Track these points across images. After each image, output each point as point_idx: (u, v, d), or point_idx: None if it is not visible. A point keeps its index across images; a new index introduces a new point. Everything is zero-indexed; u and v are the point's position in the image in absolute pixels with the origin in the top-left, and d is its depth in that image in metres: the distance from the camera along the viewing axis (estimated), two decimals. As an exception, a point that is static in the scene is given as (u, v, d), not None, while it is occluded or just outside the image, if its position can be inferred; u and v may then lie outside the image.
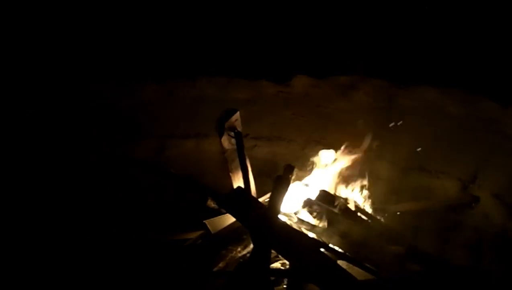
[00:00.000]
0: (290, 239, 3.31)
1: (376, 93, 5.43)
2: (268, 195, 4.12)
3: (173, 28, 6.93)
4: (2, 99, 5.03)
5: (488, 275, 3.60)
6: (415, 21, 6.44)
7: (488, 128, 4.79)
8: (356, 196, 4.33)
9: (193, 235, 3.93)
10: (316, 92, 5.67)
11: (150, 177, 4.84)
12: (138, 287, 3.51)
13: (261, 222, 3.25)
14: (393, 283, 3.37)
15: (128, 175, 4.97)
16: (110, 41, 6.60)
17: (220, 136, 3.80)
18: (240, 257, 3.72)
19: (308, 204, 3.95)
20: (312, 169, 4.50)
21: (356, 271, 3.27)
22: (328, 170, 4.43)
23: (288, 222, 3.79)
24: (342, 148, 4.49)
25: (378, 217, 4.22)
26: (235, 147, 3.85)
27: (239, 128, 3.85)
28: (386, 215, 4.36)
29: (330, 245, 3.58)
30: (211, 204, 4.15)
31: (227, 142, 3.85)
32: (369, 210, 4.28)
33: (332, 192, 4.15)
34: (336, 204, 3.90)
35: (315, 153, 4.56)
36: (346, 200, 4.13)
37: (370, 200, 4.36)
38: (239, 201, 3.53)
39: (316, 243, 3.55)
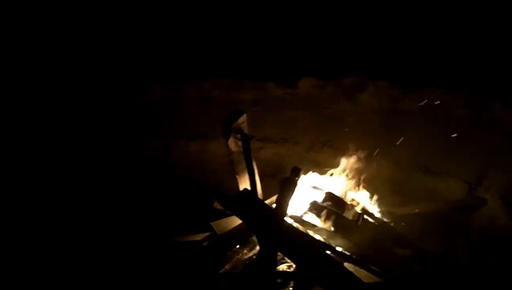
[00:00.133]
0: (296, 241, 3.32)
1: (381, 94, 5.43)
2: (274, 197, 4.13)
3: (181, 30, 6.95)
4: (2, 99, 5.04)
5: (494, 276, 3.59)
6: (420, 23, 6.42)
7: (494, 130, 4.79)
8: (362, 198, 4.33)
9: (200, 236, 3.93)
10: (321, 94, 5.68)
11: (157, 178, 4.85)
12: (144, 288, 3.53)
13: (268, 224, 3.26)
14: (399, 284, 3.37)
15: (134, 175, 4.98)
16: (120, 43, 6.63)
17: (227, 138, 3.80)
18: (247, 259, 3.72)
19: (315, 206, 3.95)
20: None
21: (362, 274, 3.27)
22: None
23: (295, 224, 3.79)
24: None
25: (384, 219, 4.22)
26: (241, 149, 3.85)
27: (246, 131, 3.85)
28: (392, 217, 4.35)
29: (336, 248, 3.59)
30: (217, 205, 4.15)
31: (233, 144, 3.85)
32: (375, 212, 4.28)
33: (338, 194, 4.15)
34: (342, 206, 3.91)
35: (321, 155, 4.56)
36: (352, 202, 4.13)
37: (376, 202, 4.35)
38: (246, 203, 3.54)
39: (322, 245, 3.55)
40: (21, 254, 3.75)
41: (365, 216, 4.05)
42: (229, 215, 3.96)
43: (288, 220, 3.70)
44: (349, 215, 3.91)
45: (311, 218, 3.95)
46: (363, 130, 5.11)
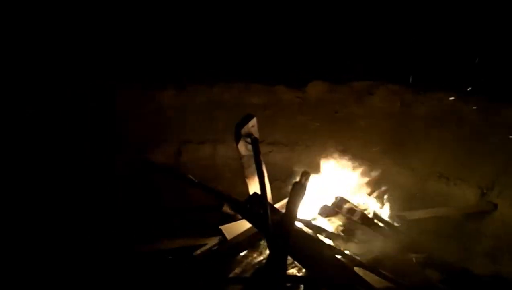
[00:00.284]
0: (306, 246, 3.31)
1: (393, 98, 5.40)
2: (284, 201, 4.11)
3: (192, 34, 6.97)
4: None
5: (507, 283, 3.54)
6: (433, 27, 6.39)
7: (508, 135, 4.73)
8: (373, 202, 4.30)
9: (209, 240, 3.93)
10: (331, 97, 5.66)
11: (167, 182, 4.85)
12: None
13: (278, 228, 3.24)
14: (411, 290, 3.34)
15: (146, 179, 5.00)
16: (129, 47, 6.66)
17: (237, 142, 3.80)
18: (256, 263, 3.71)
19: (325, 210, 3.93)
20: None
21: (373, 279, 3.24)
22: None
23: (305, 228, 3.77)
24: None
25: (396, 224, 4.18)
26: (251, 152, 3.84)
27: (256, 135, 3.84)
28: (404, 222, 4.31)
29: (347, 252, 3.56)
30: (227, 209, 4.14)
31: (243, 148, 3.84)
32: (387, 217, 4.25)
33: (349, 199, 4.12)
34: (352, 210, 3.88)
35: (332, 159, 4.54)
36: (363, 207, 4.10)
37: (388, 207, 4.32)
38: (256, 207, 3.53)
39: (332, 250, 3.53)
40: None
41: (376, 221, 4.02)
42: (238, 219, 3.95)
43: (298, 224, 3.68)
44: (359, 219, 3.89)
45: (321, 222, 3.93)
46: (375, 134, 5.08)
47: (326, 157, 4.51)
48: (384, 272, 3.32)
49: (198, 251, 3.81)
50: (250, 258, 3.73)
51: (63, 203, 4.53)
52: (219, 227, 3.90)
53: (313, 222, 3.92)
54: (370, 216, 4.03)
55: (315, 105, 5.63)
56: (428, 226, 4.37)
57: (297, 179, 3.54)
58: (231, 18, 7.08)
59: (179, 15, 7.11)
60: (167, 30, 6.95)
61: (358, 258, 3.52)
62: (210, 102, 5.68)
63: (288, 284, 3.46)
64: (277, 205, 4.05)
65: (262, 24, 6.94)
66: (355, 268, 3.30)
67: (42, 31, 6.39)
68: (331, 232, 3.81)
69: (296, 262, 3.55)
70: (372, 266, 3.41)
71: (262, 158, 3.84)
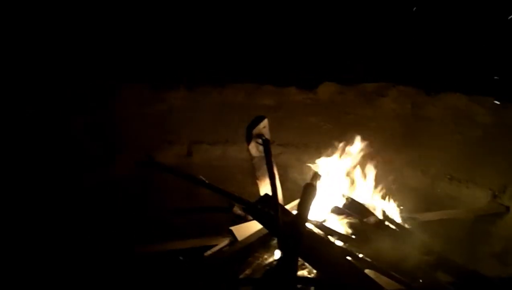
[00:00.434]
0: (317, 247, 3.31)
1: (404, 100, 5.39)
2: (294, 202, 4.11)
3: (202, 35, 7.00)
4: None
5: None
6: (443, 28, 6.37)
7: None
8: (384, 204, 4.29)
9: (220, 241, 3.94)
10: (342, 99, 5.66)
11: (177, 182, 4.87)
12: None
13: (289, 229, 3.25)
14: (422, 293, 3.33)
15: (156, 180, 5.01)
16: (140, 47, 6.69)
17: (248, 143, 3.80)
18: (267, 264, 3.71)
19: (336, 212, 3.93)
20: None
21: (384, 281, 3.24)
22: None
23: (315, 230, 3.77)
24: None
25: (407, 226, 4.17)
26: (262, 154, 3.84)
27: (267, 136, 3.84)
28: (415, 224, 4.30)
29: (358, 254, 3.55)
30: (238, 210, 4.15)
31: (254, 149, 3.85)
32: (397, 218, 4.24)
33: (360, 200, 4.12)
34: (363, 212, 3.88)
35: (343, 161, 4.53)
36: (374, 208, 4.09)
37: (398, 209, 4.31)
38: (266, 208, 3.53)
39: (343, 252, 3.52)
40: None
41: (387, 222, 4.01)
42: (249, 220, 3.96)
43: (309, 225, 3.68)
44: (370, 220, 3.88)
45: (332, 223, 3.93)
46: (386, 136, 5.07)
47: (336, 158, 4.49)
48: (395, 274, 3.31)
49: (209, 252, 3.82)
50: (260, 259, 3.73)
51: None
52: (230, 227, 3.91)
53: (324, 224, 3.91)
54: (381, 217, 4.01)
55: (326, 107, 5.63)
56: (439, 228, 4.36)
57: (308, 180, 3.56)
58: (243, 20, 7.09)
59: (191, 16, 7.13)
60: (179, 31, 6.97)
61: (369, 260, 3.51)
62: (221, 103, 5.70)
63: (299, 286, 3.46)
64: (287, 206, 4.06)
65: (274, 25, 6.95)
66: (366, 270, 3.30)
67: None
68: (342, 234, 3.80)
69: (306, 264, 3.56)
70: (383, 268, 3.40)
71: (273, 159, 3.85)
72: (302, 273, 3.63)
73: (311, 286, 3.50)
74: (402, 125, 5.18)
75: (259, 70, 6.08)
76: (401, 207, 4.34)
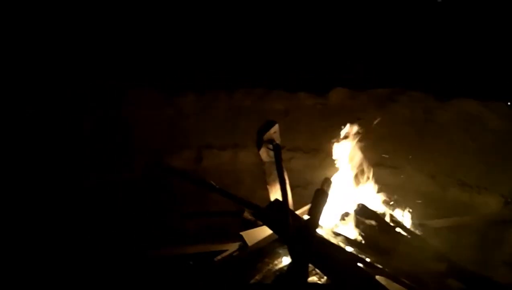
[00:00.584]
0: (328, 253, 3.29)
1: (415, 105, 5.37)
2: (305, 208, 4.10)
3: (212, 40, 7.01)
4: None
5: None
6: (456, 34, 6.35)
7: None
8: (395, 210, 4.27)
9: (230, 246, 3.93)
10: (353, 104, 5.65)
11: (186, 186, 4.87)
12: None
13: (299, 235, 3.24)
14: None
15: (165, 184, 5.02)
16: (150, 52, 6.71)
17: (259, 148, 3.80)
18: (277, 270, 3.69)
19: (347, 218, 3.91)
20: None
21: (395, 287, 3.22)
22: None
23: (326, 236, 3.76)
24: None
25: (418, 233, 4.14)
26: (273, 159, 3.84)
27: (278, 141, 3.83)
28: (425, 230, 4.28)
29: (368, 260, 3.53)
30: (248, 215, 4.14)
31: (265, 154, 3.84)
32: (408, 225, 4.21)
33: (370, 206, 4.10)
34: (374, 218, 3.85)
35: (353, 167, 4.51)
36: (384, 214, 4.07)
37: (409, 215, 4.28)
38: (277, 213, 3.52)
39: (354, 258, 3.50)
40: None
41: (398, 229, 3.98)
42: (259, 225, 3.95)
43: (320, 231, 3.66)
44: (381, 227, 3.86)
45: (343, 229, 3.91)
46: (397, 141, 5.05)
47: (346, 163, 4.47)
48: (405, 281, 3.29)
49: (219, 257, 3.81)
50: (271, 265, 3.71)
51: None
52: (240, 233, 3.90)
53: (335, 229, 3.90)
54: (392, 224, 3.99)
55: (337, 112, 5.62)
56: (450, 234, 4.33)
57: (319, 186, 3.55)
58: (254, 25, 7.11)
59: (202, 22, 7.16)
60: (189, 36, 6.99)
61: (379, 266, 3.49)
62: (231, 107, 5.71)
63: (309, 292, 3.45)
64: (298, 212, 4.04)
65: (285, 31, 6.96)
66: (377, 277, 3.28)
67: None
68: (353, 240, 3.78)
69: (317, 270, 3.54)
70: (394, 274, 3.38)
71: (283, 164, 3.84)
72: (313, 279, 3.61)
73: (321, 292, 3.49)
74: (414, 131, 5.16)
75: (269, 74, 6.08)
76: (412, 213, 4.31)
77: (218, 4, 7.33)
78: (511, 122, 4.87)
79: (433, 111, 5.24)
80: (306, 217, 3.61)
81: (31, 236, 4.03)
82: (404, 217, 4.28)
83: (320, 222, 3.44)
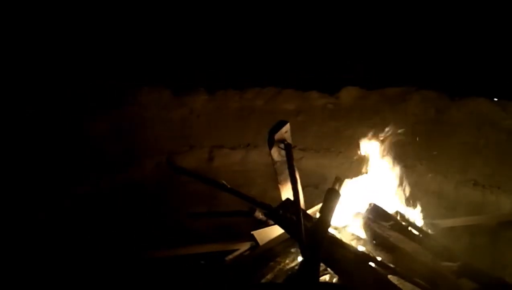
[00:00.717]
0: (339, 252, 3.29)
1: (427, 104, 5.34)
2: (316, 207, 4.10)
3: (223, 39, 7.02)
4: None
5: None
6: (468, 33, 6.31)
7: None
8: (407, 210, 4.25)
9: (241, 245, 3.94)
10: (364, 104, 5.63)
11: (200, 186, 4.88)
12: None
13: (311, 234, 3.23)
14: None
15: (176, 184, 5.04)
16: (161, 52, 6.73)
17: (270, 148, 3.79)
18: (288, 269, 3.69)
19: (358, 217, 3.90)
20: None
21: (407, 287, 3.21)
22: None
23: (338, 235, 3.75)
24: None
25: (430, 232, 4.13)
26: (284, 158, 3.83)
27: (289, 140, 3.83)
28: (437, 229, 4.26)
29: (380, 259, 3.52)
30: (259, 215, 4.14)
31: (276, 154, 3.83)
32: (420, 224, 4.19)
33: (382, 206, 4.08)
34: (386, 217, 3.84)
35: (364, 166, 4.50)
36: (397, 214, 4.05)
37: (421, 214, 4.27)
38: (288, 213, 3.52)
39: (366, 257, 3.49)
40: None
41: (410, 228, 3.97)
42: (271, 225, 3.95)
43: (332, 230, 3.66)
44: (393, 226, 3.84)
45: (355, 229, 3.90)
46: (409, 141, 5.02)
47: (359, 163, 4.46)
48: (418, 281, 3.28)
49: (230, 256, 3.83)
50: (282, 264, 3.71)
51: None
52: (251, 232, 3.90)
53: (346, 229, 3.89)
54: (404, 223, 3.98)
55: (348, 112, 5.61)
56: (463, 234, 4.31)
57: (330, 185, 3.54)
58: (265, 25, 7.11)
59: (213, 22, 7.17)
60: (200, 36, 7.01)
61: (391, 265, 3.48)
62: (242, 107, 5.72)
63: (321, 291, 3.45)
64: (309, 211, 4.04)
65: (296, 30, 6.96)
66: (389, 276, 3.27)
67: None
68: (365, 239, 3.77)
69: (329, 269, 3.54)
70: (406, 274, 3.37)
71: (295, 164, 3.84)
72: (324, 278, 3.61)
73: (333, 291, 3.48)
74: (425, 130, 5.13)
75: (280, 74, 6.08)
76: (424, 213, 4.29)
77: (230, 4, 7.34)
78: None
79: (445, 110, 5.20)
80: (317, 216, 3.60)
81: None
82: (416, 216, 4.27)
83: (332, 221, 3.44)
